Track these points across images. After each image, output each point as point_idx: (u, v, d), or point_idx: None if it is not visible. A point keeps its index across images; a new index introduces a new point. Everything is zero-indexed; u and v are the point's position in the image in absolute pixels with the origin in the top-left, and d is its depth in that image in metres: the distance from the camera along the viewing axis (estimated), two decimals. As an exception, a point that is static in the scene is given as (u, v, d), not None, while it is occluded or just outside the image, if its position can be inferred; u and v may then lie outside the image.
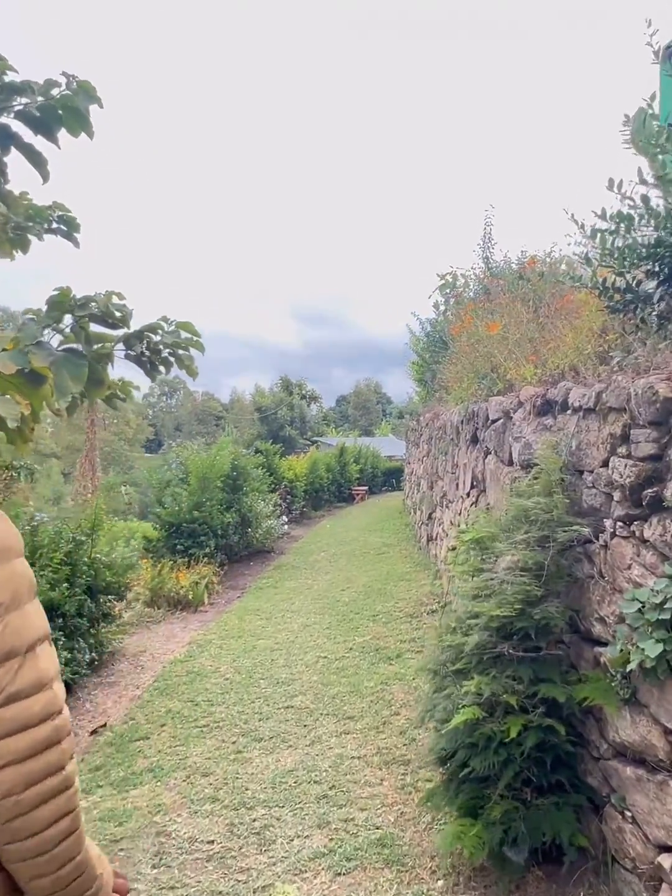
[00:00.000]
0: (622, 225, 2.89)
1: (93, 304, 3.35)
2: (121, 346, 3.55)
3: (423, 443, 12.33)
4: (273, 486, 15.85)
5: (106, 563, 6.32)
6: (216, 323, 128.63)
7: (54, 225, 3.57)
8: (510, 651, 2.68)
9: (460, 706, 2.69)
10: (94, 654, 6.09)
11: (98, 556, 6.21)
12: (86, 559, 5.90)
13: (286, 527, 14.74)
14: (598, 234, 2.88)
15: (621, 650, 2.33)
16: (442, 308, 10.15)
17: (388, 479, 29.73)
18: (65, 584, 5.39)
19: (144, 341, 3.58)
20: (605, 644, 2.69)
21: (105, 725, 5.05)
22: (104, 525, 6.50)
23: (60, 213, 3.56)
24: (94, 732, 4.96)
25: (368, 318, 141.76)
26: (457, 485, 7.12)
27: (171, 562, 9.35)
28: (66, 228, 3.55)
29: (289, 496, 17.35)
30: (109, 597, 6.35)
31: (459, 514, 6.64)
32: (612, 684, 2.45)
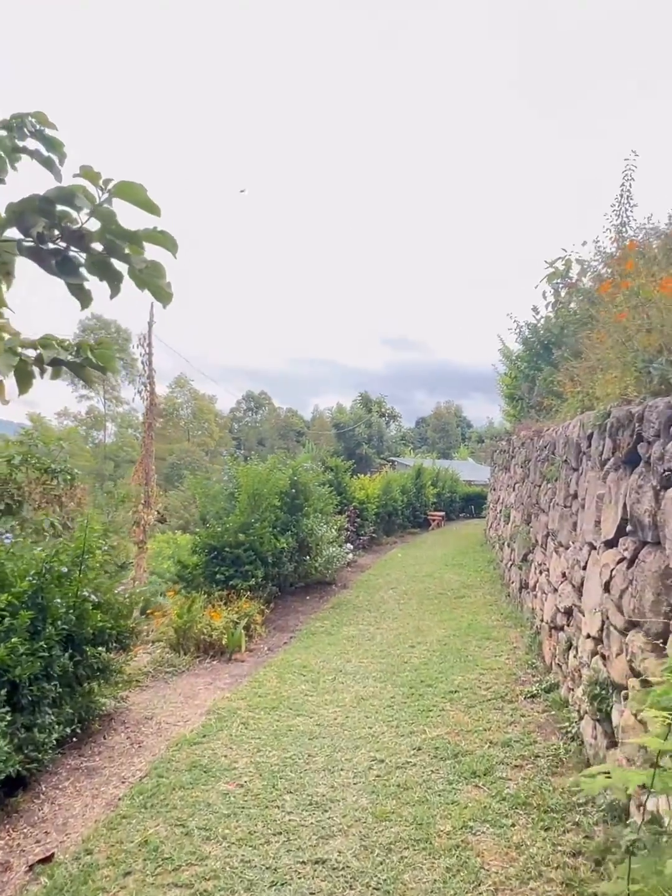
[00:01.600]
0: None
1: None
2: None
3: (515, 467, 10.29)
4: (341, 506, 14.17)
5: (97, 603, 4.77)
6: (304, 345, 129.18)
7: (28, 143, 2.04)
8: None
9: None
10: (74, 727, 4.56)
11: (86, 593, 4.67)
12: (61, 599, 4.35)
13: (351, 555, 12.97)
14: None
15: None
16: (550, 299, 8.20)
17: (467, 504, 27.51)
18: (19, 639, 3.85)
19: (56, 223, 1.97)
20: None
21: (51, 858, 3.43)
22: (97, 551, 4.96)
23: (41, 126, 2.04)
24: (31, 868, 3.36)
25: (451, 343, 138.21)
26: (576, 524, 5.17)
27: (207, 594, 7.78)
28: (45, 152, 2.03)
29: (358, 519, 15.59)
30: (100, 649, 4.79)
31: (580, 565, 4.69)
32: None
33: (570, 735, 4.50)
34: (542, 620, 6.29)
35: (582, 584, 4.57)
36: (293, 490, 10.09)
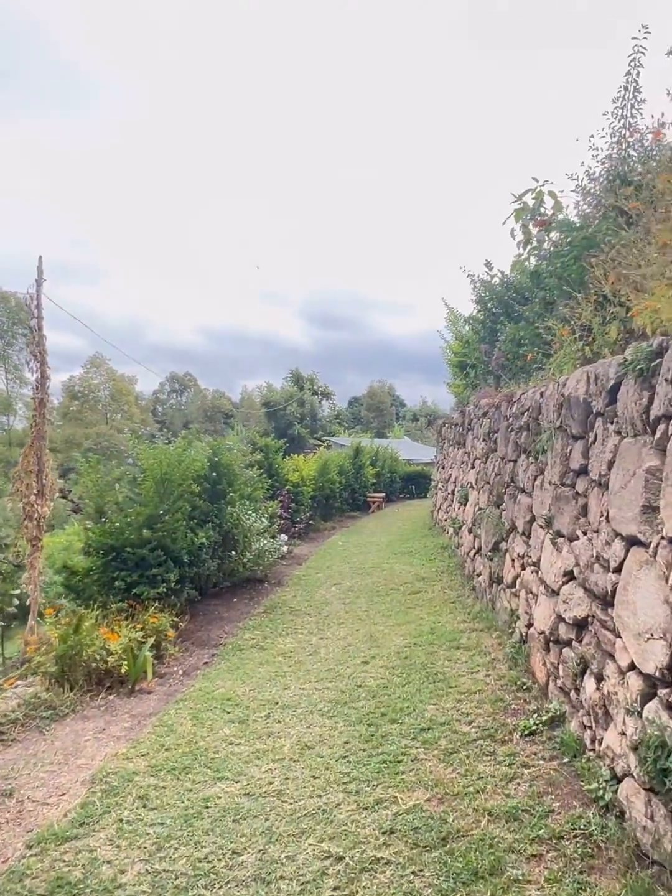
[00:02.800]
0: None
1: None
2: None
3: (474, 441, 9.08)
4: (273, 491, 12.66)
5: None
6: (232, 322, 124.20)
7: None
8: None
9: None
10: None
11: None
12: None
13: (286, 546, 11.49)
14: None
15: None
16: (520, 237, 6.91)
17: (407, 484, 26.55)
18: None
19: None
20: None
21: None
22: None
23: None
24: None
25: (384, 321, 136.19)
26: (585, 508, 3.90)
27: (103, 607, 6.15)
28: None
29: (292, 504, 14.13)
30: None
31: (608, 567, 3.43)
32: None
33: (601, 802, 3.21)
34: (529, 627, 5.04)
35: (613, 591, 3.28)
36: (214, 473, 8.51)
